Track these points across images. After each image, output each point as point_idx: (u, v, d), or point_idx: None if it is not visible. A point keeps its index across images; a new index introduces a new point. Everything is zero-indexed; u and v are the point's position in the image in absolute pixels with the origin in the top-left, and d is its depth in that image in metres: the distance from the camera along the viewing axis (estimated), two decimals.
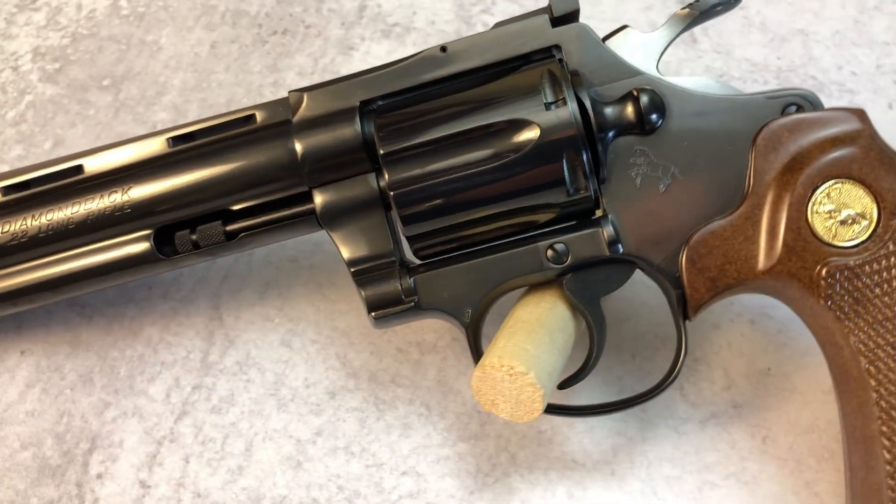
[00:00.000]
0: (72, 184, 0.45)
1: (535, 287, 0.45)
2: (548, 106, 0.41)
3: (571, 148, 0.41)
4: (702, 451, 0.48)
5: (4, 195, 0.45)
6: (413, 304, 0.44)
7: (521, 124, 0.41)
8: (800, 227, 0.40)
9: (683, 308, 0.42)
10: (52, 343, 0.52)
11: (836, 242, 0.40)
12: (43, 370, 0.51)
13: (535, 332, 0.42)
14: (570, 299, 0.43)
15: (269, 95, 0.56)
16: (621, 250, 0.42)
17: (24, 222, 0.47)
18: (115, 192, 0.45)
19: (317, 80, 0.54)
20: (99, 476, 0.50)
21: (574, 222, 0.42)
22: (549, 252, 0.43)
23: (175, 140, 0.44)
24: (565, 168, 0.41)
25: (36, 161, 0.52)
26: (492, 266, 0.43)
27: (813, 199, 0.39)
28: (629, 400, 0.45)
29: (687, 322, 0.43)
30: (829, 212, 0.38)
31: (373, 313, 0.44)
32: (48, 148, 0.57)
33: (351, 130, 0.43)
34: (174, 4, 0.60)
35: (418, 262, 0.43)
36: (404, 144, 0.42)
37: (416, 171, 0.42)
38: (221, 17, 0.60)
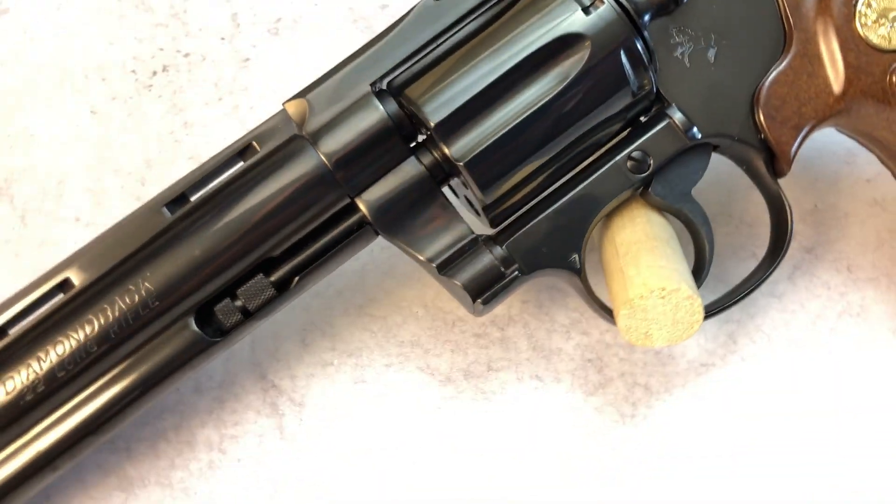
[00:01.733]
0: (69, 301, 0.43)
1: (614, 212, 0.47)
2: (586, 10, 0.42)
3: (626, 44, 0.42)
4: (805, 303, 0.54)
5: None
6: (516, 272, 0.44)
7: (566, 40, 0.42)
8: (855, 44, 0.44)
9: (772, 169, 0.46)
10: (99, 497, 0.51)
11: (895, 47, 0.45)
12: None
13: (656, 248, 0.46)
14: (661, 203, 0.46)
15: (187, 138, 0.58)
16: (698, 134, 0.44)
17: (28, 370, 0.44)
18: (129, 290, 0.43)
19: (228, 104, 0.58)
20: None
21: (642, 123, 0.44)
22: (629, 163, 0.44)
23: (172, 206, 0.43)
24: (626, 67, 0.42)
25: None
26: (578, 202, 0.44)
27: (857, 13, 0.41)
28: (760, 276, 0.49)
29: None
30: (877, 19, 0.41)
31: (479, 300, 0.44)
32: None
33: (376, 117, 0.43)
34: (23, 84, 0.59)
35: (495, 230, 0.45)
36: (455, 107, 0.42)
37: (479, 131, 0.42)
38: (85, 77, 0.59)
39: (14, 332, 0.44)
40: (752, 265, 0.51)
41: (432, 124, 0.42)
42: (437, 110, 0.42)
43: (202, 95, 0.58)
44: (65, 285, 0.43)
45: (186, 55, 0.59)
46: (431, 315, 0.54)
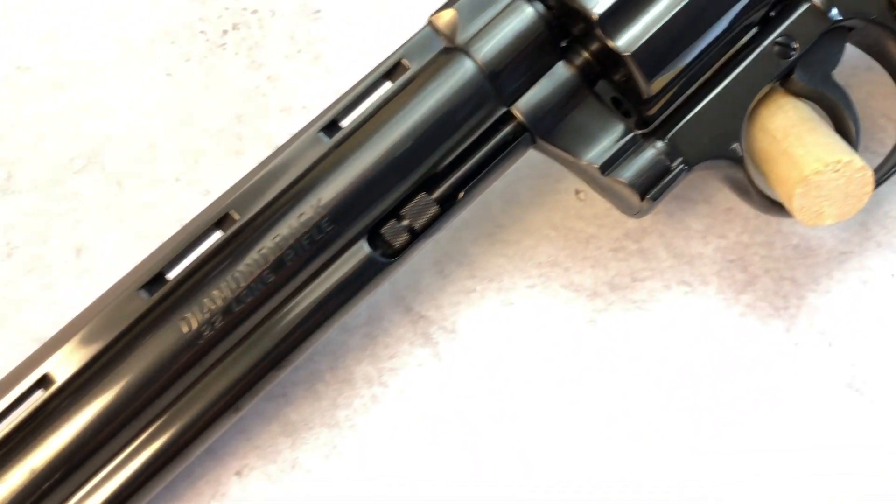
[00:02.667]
0: (240, 230, 0.44)
1: (758, 103, 0.48)
2: None
3: None
4: None
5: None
6: (682, 165, 0.46)
7: None
8: None
9: None
10: (264, 445, 0.52)
11: None
12: (276, 478, 0.51)
13: (815, 128, 0.48)
14: (805, 89, 0.47)
15: (274, 91, 0.60)
16: (838, 16, 0.46)
17: (205, 305, 0.44)
18: (302, 214, 0.44)
19: (308, 55, 0.60)
20: None
21: (785, 7, 0.46)
22: (776, 48, 0.46)
23: (327, 130, 0.44)
24: None
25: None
26: (732, 91, 0.46)
27: None
28: None
29: None
30: None
31: (647, 196, 0.46)
32: (69, 260, 0.56)
33: (528, 20, 0.44)
34: (91, 56, 0.60)
35: (647, 129, 0.46)
36: None
37: (642, 20, 0.43)
38: (152, 43, 0.61)
39: (183, 266, 0.45)
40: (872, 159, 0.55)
41: (596, 16, 0.43)
42: (599, 2, 0.43)
43: (280, 49, 0.61)
44: (225, 221, 0.44)
45: (254, 12, 0.62)
46: (563, 235, 0.55)
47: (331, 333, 0.51)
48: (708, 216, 0.56)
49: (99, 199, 0.57)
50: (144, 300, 0.44)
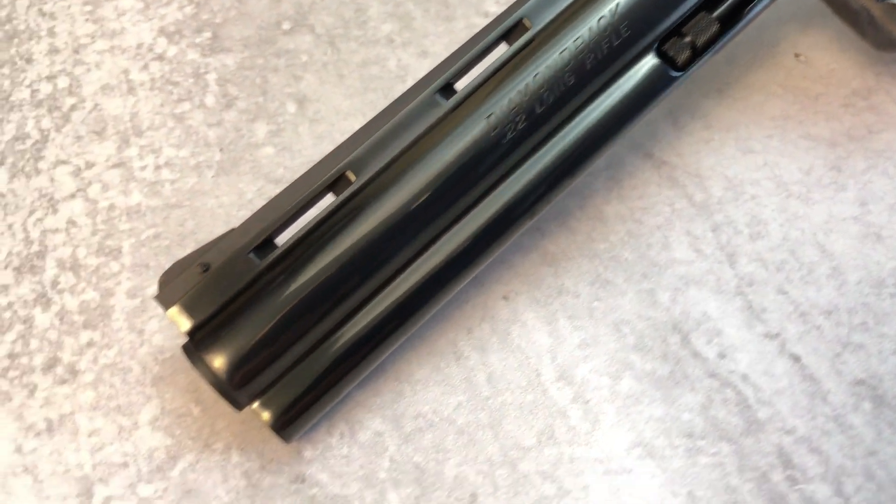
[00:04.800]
0: (539, 33, 0.47)
1: None
2: None
3: None
4: None
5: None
6: None
7: None
8: None
9: None
10: (527, 273, 0.53)
11: None
12: (544, 301, 0.52)
13: None
14: None
15: None
16: None
17: (509, 103, 0.47)
18: (602, 16, 0.47)
19: None
20: (721, 356, 0.51)
21: None
22: None
23: None
24: None
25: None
26: None
27: None
28: None
29: None
30: None
31: None
32: (293, 111, 0.58)
33: None
34: None
35: None
36: None
37: None
38: None
39: (479, 72, 0.48)
40: None
41: None
42: None
43: None
44: (516, 29, 0.47)
45: None
46: (791, 93, 0.58)
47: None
48: None
49: (314, 57, 0.59)
50: (442, 104, 0.46)
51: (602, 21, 0.47)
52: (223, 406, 0.49)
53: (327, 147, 0.56)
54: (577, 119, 0.48)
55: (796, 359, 0.51)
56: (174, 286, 0.44)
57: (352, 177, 0.45)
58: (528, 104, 0.46)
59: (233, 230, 0.46)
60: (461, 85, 0.47)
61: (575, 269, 0.53)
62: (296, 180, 0.46)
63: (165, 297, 0.44)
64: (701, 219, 0.54)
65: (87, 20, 0.61)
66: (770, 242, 0.54)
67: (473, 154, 0.46)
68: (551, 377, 0.50)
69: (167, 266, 0.51)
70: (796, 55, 0.61)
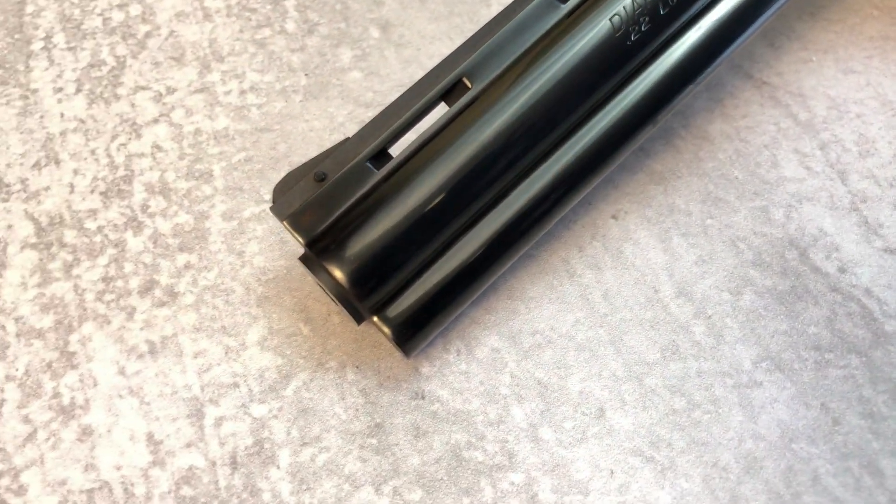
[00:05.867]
0: None
1: None
2: None
3: None
4: None
5: None
6: None
7: None
8: None
9: None
10: (635, 192, 0.53)
11: None
12: (654, 220, 0.52)
13: None
14: None
15: None
16: None
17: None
18: None
19: None
20: (841, 270, 0.51)
21: None
22: None
23: None
24: None
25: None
26: None
27: None
28: None
29: None
30: None
31: None
32: (377, 36, 0.58)
33: None
34: None
35: None
36: None
37: None
38: None
39: None
40: None
41: None
42: None
43: None
44: None
45: None
46: (888, 14, 0.58)
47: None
48: None
49: None
50: (560, 7, 0.45)
51: None
52: (334, 325, 0.48)
53: (415, 71, 0.55)
54: (699, 24, 0.47)
55: None
56: (290, 197, 0.43)
57: (468, 84, 0.44)
58: (652, 4, 0.46)
59: (346, 140, 0.45)
60: None
61: (684, 188, 0.52)
62: (409, 89, 0.45)
63: (281, 208, 0.43)
64: (807, 137, 0.54)
65: None
66: (880, 159, 0.53)
67: (596, 57, 0.45)
68: (670, 294, 0.49)
69: (263, 189, 0.51)
70: None
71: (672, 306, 0.49)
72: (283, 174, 0.51)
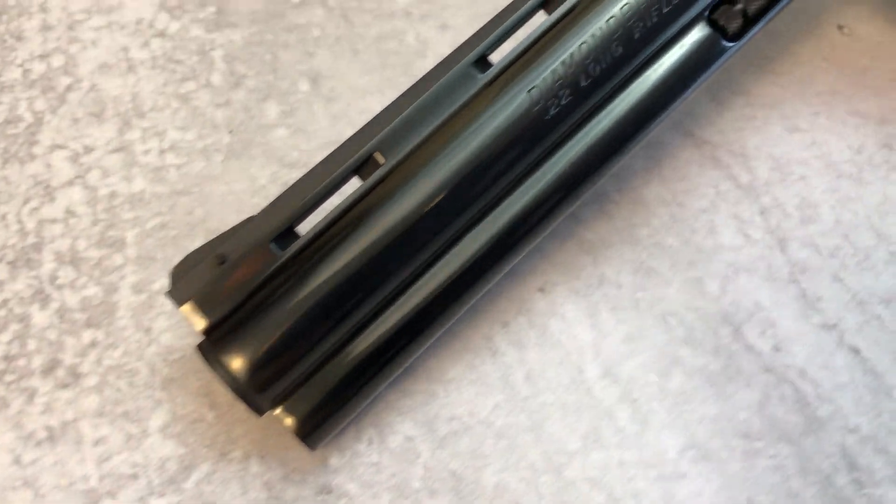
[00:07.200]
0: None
1: None
2: None
3: None
4: None
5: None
6: None
7: None
8: None
9: None
10: (567, 264, 0.49)
11: None
12: (583, 292, 0.49)
13: None
14: None
15: None
16: None
17: (552, 75, 0.43)
18: None
19: None
20: (776, 349, 0.48)
21: None
22: None
23: None
24: None
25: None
26: None
27: None
28: None
29: None
30: None
31: None
32: (306, 89, 0.54)
33: None
34: None
35: None
36: None
37: None
38: None
39: (515, 43, 0.44)
40: None
41: None
42: None
43: None
44: None
45: None
46: (836, 66, 0.54)
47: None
48: None
49: (326, 31, 0.55)
50: (478, 77, 0.42)
51: None
52: (241, 411, 0.45)
53: (344, 127, 0.52)
54: (625, 93, 0.44)
55: (856, 351, 0.47)
56: (188, 280, 0.40)
57: (380, 159, 0.41)
58: (572, 76, 0.43)
59: (250, 218, 0.42)
60: (497, 58, 0.43)
61: (616, 258, 0.49)
62: (318, 163, 0.42)
63: (178, 293, 0.40)
64: (748, 201, 0.51)
65: None
66: (822, 226, 0.50)
67: (514, 131, 0.42)
68: (595, 375, 0.46)
69: (176, 258, 0.48)
70: (839, 27, 0.57)
71: (596, 389, 0.45)
72: (198, 242, 0.48)
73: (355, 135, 0.42)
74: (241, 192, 0.50)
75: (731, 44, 0.45)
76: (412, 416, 0.45)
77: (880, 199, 0.51)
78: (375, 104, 0.52)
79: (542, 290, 0.48)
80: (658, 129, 0.52)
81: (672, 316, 0.47)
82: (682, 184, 0.51)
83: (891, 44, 0.56)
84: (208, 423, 0.45)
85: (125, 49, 0.55)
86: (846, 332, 0.47)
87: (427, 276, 0.42)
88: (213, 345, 0.40)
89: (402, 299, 0.42)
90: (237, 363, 0.40)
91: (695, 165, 0.52)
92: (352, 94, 0.53)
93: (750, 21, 0.46)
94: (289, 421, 0.41)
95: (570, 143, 0.43)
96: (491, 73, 0.42)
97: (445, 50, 0.53)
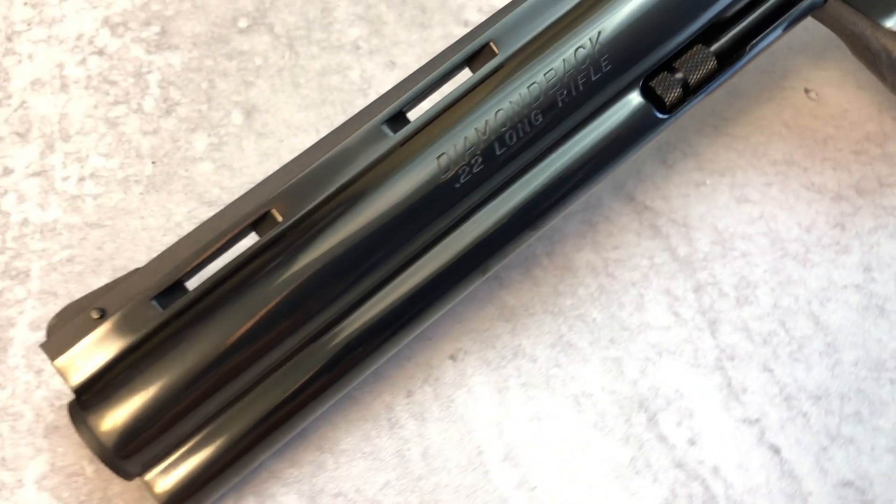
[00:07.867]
0: (507, 62, 0.40)
1: None
2: None
3: None
4: None
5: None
6: None
7: None
8: None
9: None
10: (483, 331, 0.47)
11: None
12: (496, 364, 0.46)
13: None
14: None
15: None
16: None
17: (465, 143, 0.40)
18: (581, 45, 0.40)
19: None
20: (691, 442, 0.45)
21: None
22: None
23: None
24: None
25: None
26: None
27: None
28: None
29: None
30: None
31: None
32: (239, 122, 0.51)
33: None
34: None
35: None
36: None
37: None
38: None
39: (433, 103, 0.41)
40: None
41: None
42: None
43: None
44: (481, 54, 0.40)
45: None
46: (797, 134, 0.51)
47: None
48: None
49: (269, 60, 0.52)
50: (389, 137, 0.39)
51: (580, 52, 0.41)
52: None
53: (272, 166, 0.49)
54: (543, 164, 0.41)
55: (776, 451, 0.44)
56: (65, 333, 0.38)
57: (278, 216, 0.39)
58: (486, 144, 0.40)
59: (137, 270, 0.39)
60: (416, 114, 0.40)
61: (535, 328, 0.46)
62: (214, 215, 0.40)
63: (53, 346, 0.38)
64: (683, 276, 0.48)
65: (24, 3, 0.55)
66: (758, 309, 0.47)
67: (419, 199, 0.39)
68: (496, 457, 0.43)
69: (78, 295, 0.45)
70: (806, 91, 0.54)
71: (494, 472, 0.43)
72: (104, 280, 0.45)
73: (256, 187, 0.40)
74: (155, 229, 0.47)
75: (664, 116, 0.43)
76: (297, 487, 0.42)
77: (824, 284, 0.48)
78: (307, 143, 0.49)
79: (453, 357, 0.45)
80: (597, 189, 0.49)
81: (585, 397, 0.45)
82: (616, 252, 0.48)
83: (857, 112, 0.53)
84: (86, 477, 0.42)
85: (61, 66, 0.52)
86: (768, 428, 0.44)
87: (322, 339, 0.40)
88: (82, 404, 0.38)
89: (292, 363, 0.40)
90: (107, 425, 0.37)
91: (632, 233, 0.49)
92: (285, 131, 0.50)
93: (690, 91, 0.43)
94: (159, 488, 0.39)
95: (480, 214, 0.41)
96: (402, 133, 0.40)
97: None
